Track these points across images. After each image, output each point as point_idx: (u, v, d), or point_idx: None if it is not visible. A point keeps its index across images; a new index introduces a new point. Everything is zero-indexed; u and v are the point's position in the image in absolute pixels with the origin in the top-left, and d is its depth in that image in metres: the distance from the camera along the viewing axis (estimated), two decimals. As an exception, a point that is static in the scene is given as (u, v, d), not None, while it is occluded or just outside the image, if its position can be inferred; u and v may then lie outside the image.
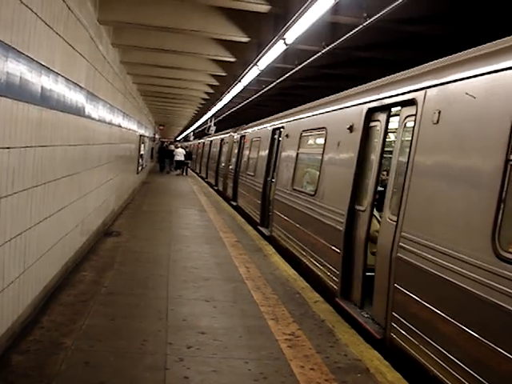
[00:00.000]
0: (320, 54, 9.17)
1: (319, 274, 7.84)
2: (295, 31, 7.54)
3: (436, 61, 5.55)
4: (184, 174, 33.79)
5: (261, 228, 12.78)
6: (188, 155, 34.78)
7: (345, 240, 6.90)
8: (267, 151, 13.14)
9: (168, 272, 7.99)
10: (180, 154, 33.29)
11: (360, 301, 6.49)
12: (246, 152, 16.81)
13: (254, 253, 9.97)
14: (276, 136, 12.68)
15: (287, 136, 11.18)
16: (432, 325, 4.66)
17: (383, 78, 6.91)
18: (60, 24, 5.97)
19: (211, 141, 30.39)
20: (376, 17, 6.54)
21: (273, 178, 12.41)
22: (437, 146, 5.07)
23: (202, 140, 38.31)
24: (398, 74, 6.47)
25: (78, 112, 7.37)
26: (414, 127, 5.50)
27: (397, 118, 6.29)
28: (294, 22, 6.86)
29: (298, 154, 10.18)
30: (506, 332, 3.77)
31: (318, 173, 8.59)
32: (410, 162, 5.39)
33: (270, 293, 7.25)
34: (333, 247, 7.29)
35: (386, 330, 5.52)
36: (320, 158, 8.50)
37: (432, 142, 5.16)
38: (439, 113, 5.00)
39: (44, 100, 5.50)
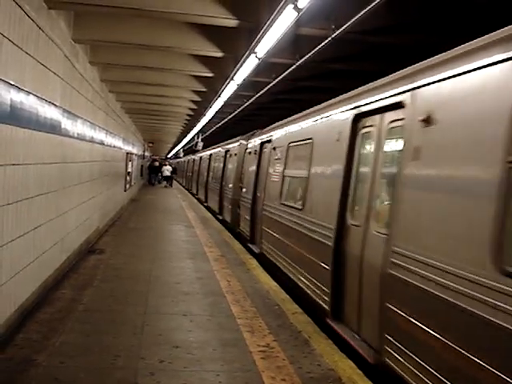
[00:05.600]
0: (294, 66, 9.27)
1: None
2: (265, 45, 7.64)
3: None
4: (169, 185, 41.51)
5: (250, 245, 12.22)
6: (173, 170, 43.85)
7: (334, 255, 6.43)
8: (255, 165, 12.67)
9: (148, 288, 7.97)
10: (168, 170, 41.75)
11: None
12: (232, 166, 16.77)
13: (236, 267, 9.97)
14: (265, 150, 12.16)
15: (274, 149, 10.84)
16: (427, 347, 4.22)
17: (370, 83, 6.46)
18: (30, 44, 6.01)
19: (201, 157, 30.62)
20: (343, 28, 6.62)
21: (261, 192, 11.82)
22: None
23: (192, 156, 38.62)
24: (384, 78, 6.03)
25: (53, 130, 7.37)
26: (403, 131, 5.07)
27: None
28: (263, 35, 6.95)
29: (285, 167, 9.76)
30: None
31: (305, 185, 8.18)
32: (401, 172, 4.93)
33: (249, 305, 7.25)
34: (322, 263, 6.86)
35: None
36: (307, 169, 8.12)
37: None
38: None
39: (14, 118, 5.52)
